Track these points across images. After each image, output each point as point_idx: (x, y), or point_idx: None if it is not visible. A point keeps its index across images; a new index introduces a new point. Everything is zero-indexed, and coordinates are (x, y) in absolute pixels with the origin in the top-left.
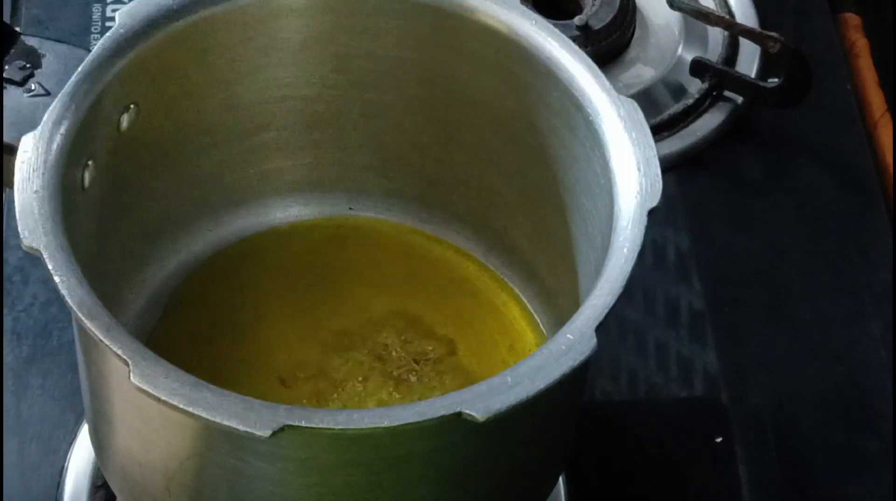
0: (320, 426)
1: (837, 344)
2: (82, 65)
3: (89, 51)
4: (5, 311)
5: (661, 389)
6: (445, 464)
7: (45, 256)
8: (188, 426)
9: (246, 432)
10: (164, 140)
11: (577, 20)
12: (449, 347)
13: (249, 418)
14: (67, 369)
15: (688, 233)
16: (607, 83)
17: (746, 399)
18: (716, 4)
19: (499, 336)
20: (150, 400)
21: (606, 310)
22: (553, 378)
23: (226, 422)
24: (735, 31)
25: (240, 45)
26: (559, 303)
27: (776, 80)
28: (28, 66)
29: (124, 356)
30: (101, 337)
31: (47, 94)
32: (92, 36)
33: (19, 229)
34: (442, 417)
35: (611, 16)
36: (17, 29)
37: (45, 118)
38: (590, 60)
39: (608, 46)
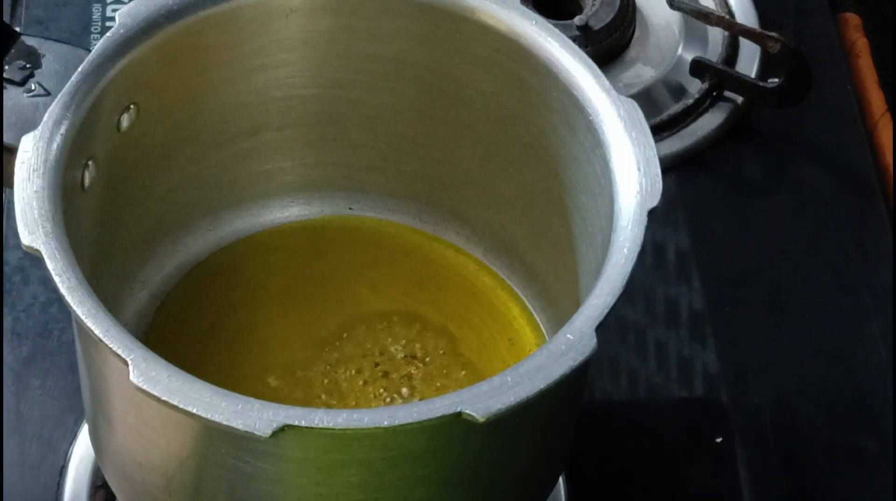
0: (320, 426)
1: (837, 344)
2: (82, 65)
3: (89, 51)
4: (5, 311)
5: (661, 389)
6: (445, 464)
7: (45, 256)
8: (188, 426)
9: (246, 432)
10: (164, 140)
11: (577, 20)
12: (449, 347)
13: (249, 418)
14: (67, 369)
15: (688, 233)
16: (607, 83)
17: (746, 399)
18: (716, 4)
19: (499, 336)
20: (150, 400)
21: (606, 310)
22: (553, 378)
23: (226, 422)
24: (735, 31)
25: (240, 45)
26: (559, 303)
27: (776, 80)
28: (28, 66)
29: (124, 356)
30: (101, 337)
31: (47, 94)
32: (92, 36)
33: (19, 229)
34: (442, 417)
35: (611, 16)
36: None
37: (45, 118)
38: (590, 60)
39: (608, 46)
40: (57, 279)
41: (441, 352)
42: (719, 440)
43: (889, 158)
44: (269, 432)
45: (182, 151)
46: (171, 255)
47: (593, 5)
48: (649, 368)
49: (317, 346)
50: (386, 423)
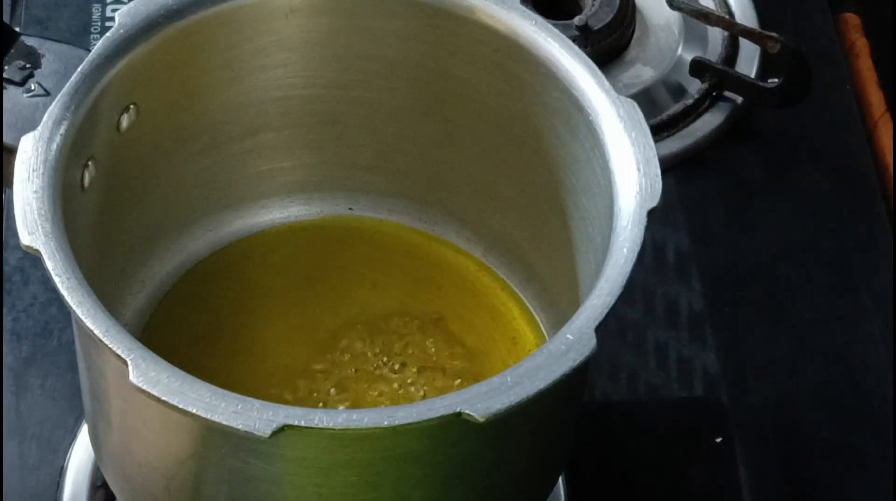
0: (320, 426)
1: (837, 344)
2: (82, 65)
3: (89, 51)
4: (5, 311)
5: (661, 389)
6: (445, 464)
7: (44, 256)
8: (188, 426)
9: (246, 432)
10: (164, 140)
11: (577, 20)
12: (448, 347)
13: (249, 418)
14: (67, 369)
15: (688, 233)
16: (607, 83)
17: (746, 399)
18: (716, 4)
19: (499, 336)
20: (150, 400)
21: (606, 310)
22: (553, 378)
23: (226, 422)
24: (735, 31)
25: (240, 45)
26: (559, 303)
27: (776, 80)
28: (28, 66)
29: (124, 356)
30: (101, 337)
31: (47, 94)
32: (92, 36)
33: (19, 229)
34: (442, 417)
35: (611, 16)
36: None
37: (45, 118)
38: (590, 60)
39: (608, 46)
40: (57, 279)
41: (441, 352)
42: (719, 440)
43: (889, 159)
44: (268, 432)
45: (182, 151)
46: (171, 255)
47: (593, 5)
48: (649, 368)
49: (316, 346)
50: (386, 423)
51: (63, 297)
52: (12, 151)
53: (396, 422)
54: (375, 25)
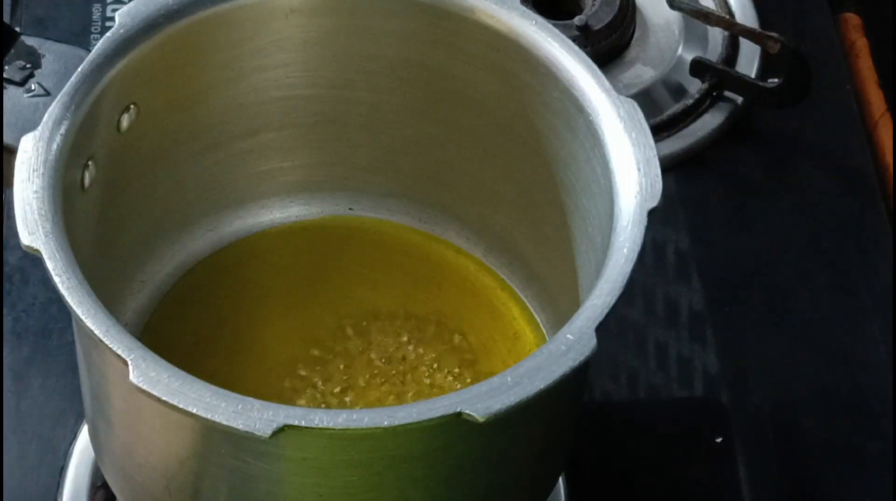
0: (320, 426)
1: (837, 344)
2: (82, 65)
3: (89, 51)
4: (5, 311)
5: (661, 389)
6: (445, 464)
7: (44, 256)
8: (188, 426)
9: (246, 432)
10: (164, 140)
11: (577, 20)
12: (449, 347)
13: (249, 418)
14: (67, 369)
15: (688, 233)
16: (607, 83)
17: (746, 399)
18: (716, 4)
19: (499, 336)
20: (150, 400)
21: (606, 310)
22: (553, 378)
23: (226, 422)
24: (735, 31)
25: (240, 45)
26: (559, 303)
27: (776, 80)
28: (28, 66)
29: (124, 356)
30: (101, 337)
31: (47, 94)
32: (92, 36)
33: (19, 229)
34: (442, 417)
35: (611, 16)
36: (17, 29)
37: (45, 118)
38: (590, 60)
39: (608, 46)
40: (57, 279)
41: (441, 352)
42: (719, 440)
43: (889, 158)
44: (269, 432)
45: (182, 151)
46: (171, 255)
47: (593, 5)
48: (649, 368)
49: (316, 346)
50: (386, 423)
51: (63, 297)
52: (12, 151)
53: (396, 422)
54: (375, 25)
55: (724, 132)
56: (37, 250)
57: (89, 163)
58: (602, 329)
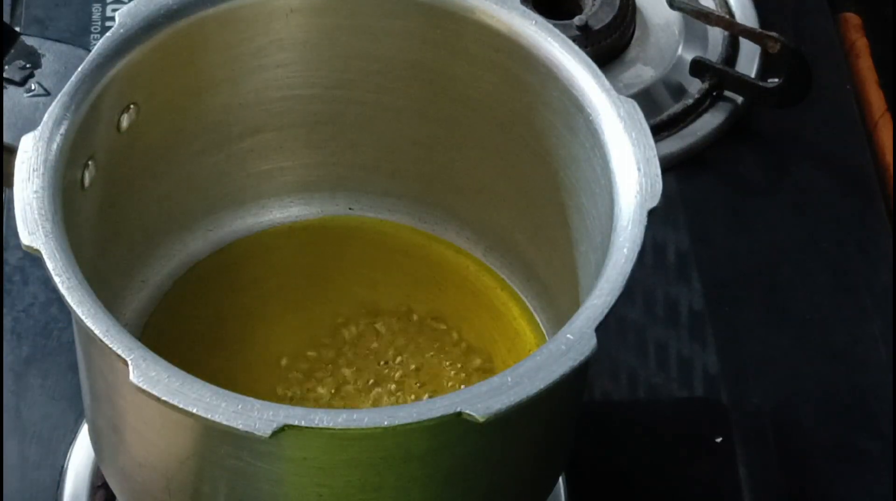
0: (320, 426)
1: (837, 344)
2: (82, 65)
3: (89, 51)
4: (5, 311)
5: (661, 389)
6: (445, 464)
7: (44, 256)
8: (188, 426)
9: (246, 432)
10: (164, 140)
11: (577, 20)
12: (448, 347)
13: (249, 418)
14: (67, 369)
15: (688, 233)
16: (607, 83)
17: (746, 399)
18: (716, 4)
19: (499, 336)
20: (150, 400)
21: (606, 310)
22: (553, 378)
23: (226, 422)
24: (735, 31)
25: (240, 45)
26: (559, 303)
27: (776, 80)
28: (28, 66)
29: (124, 356)
30: (101, 337)
31: (47, 94)
32: (92, 36)
33: (19, 229)
34: (442, 417)
35: (611, 16)
36: (17, 29)
37: (45, 118)
38: (590, 60)
39: (608, 46)
40: (57, 279)
41: (441, 352)
42: (719, 440)
43: (889, 158)
44: (269, 432)
45: (182, 151)
46: (171, 255)
47: (593, 5)
48: (649, 368)
49: (316, 346)
50: (386, 423)
51: (63, 297)
52: (12, 151)
53: (396, 422)
54: (375, 25)
55: (724, 132)
56: (37, 250)
57: (89, 163)
58: (602, 329)
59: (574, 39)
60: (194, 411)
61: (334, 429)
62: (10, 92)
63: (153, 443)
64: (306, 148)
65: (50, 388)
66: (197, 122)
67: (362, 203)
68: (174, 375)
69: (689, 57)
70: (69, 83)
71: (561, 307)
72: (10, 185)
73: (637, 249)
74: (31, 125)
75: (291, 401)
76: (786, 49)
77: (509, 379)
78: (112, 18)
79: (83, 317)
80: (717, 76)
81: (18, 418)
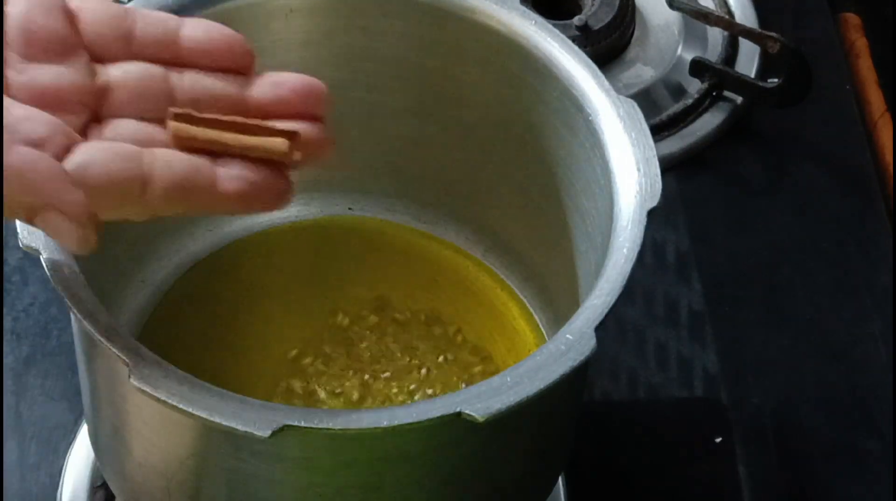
0: (320, 426)
1: (837, 344)
2: None
3: None
4: (5, 311)
5: (661, 389)
6: (445, 464)
7: (44, 256)
8: (188, 426)
9: (245, 432)
10: None
11: (576, 20)
12: (448, 347)
13: (249, 418)
14: (67, 369)
15: (688, 233)
16: (607, 83)
17: (746, 399)
18: (715, 4)
19: (498, 336)
20: (150, 400)
21: (606, 310)
22: (553, 378)
23: (225, 422)
24: (735, 31)
25: None
26: (559, 303)
27: (776, 80)
28: None
29: (124, 357)
30: (101, 337)
31: None
32: None
33: (19, 229)
34: (442, 417)
35: (610, 16)
36: None
37: None
38: (589, 60)
39: (608, 46)
40: (56, 279)
41: (440, 352)
42: (719, 440)
43: (889, 158)
44: (268, 432)
45: None
46: (170, 254)
47: (593, 5)
48: (649, 368)
49: (315, 346)
50: (385, 423)
51: (63, 297)
52: None
53: (396, 422)
54: (375, 25)
55: (724, 132)
56: (36, 250)
57: None
58: (602, 329)
59: (574, 39)
60: (194, 411)
61: (334, 429)
62: None
63: (153, 443)
64: None
65: (50, 388)
66: None
67: (362, 203)
68: (174, 375)
69: (688, 57)
70: None
71: (560, 307)
72: None
73: (637, 249)
74: None
75: (291, 401)
76: (785, 49)
77: (509, 379)
78: None
79: (83, 317)
80: (716, 76)
81: (18, 418)
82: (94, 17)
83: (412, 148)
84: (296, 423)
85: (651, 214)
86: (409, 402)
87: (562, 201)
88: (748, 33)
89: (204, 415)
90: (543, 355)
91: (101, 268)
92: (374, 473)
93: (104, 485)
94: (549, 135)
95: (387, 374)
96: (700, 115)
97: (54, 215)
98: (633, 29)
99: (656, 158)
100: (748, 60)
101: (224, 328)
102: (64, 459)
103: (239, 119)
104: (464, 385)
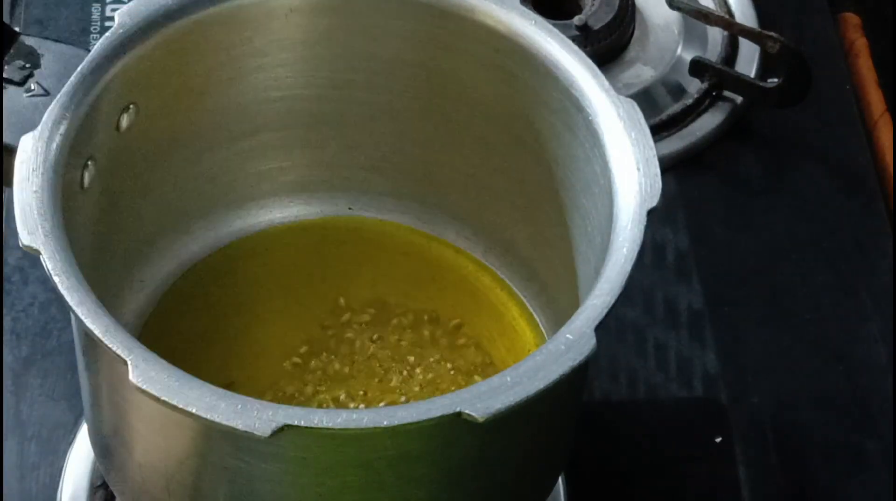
0: (320, 426)
1: (837, 344)
2: (82, 65)
3: (89, 51)
4: (5, 311)
5: (661, 389)
6: (445, 464)
7: (44, 256)
8: (188, 426)
9: (246, 432)
10: (164, 140)
11: (576, 20)
12: (448, 346)
13: (249, 418)
14: (67, 369)
15: (687, 233)
16: (607, 83)
17: (746, 399)
18: (715, 4)
19: (498, 336)
20: (150, 400)
21: (606, 310)
22: (553, 378)
23: (225, 422)
24: (735, 31)
25: (239, 45)
26: (559, 303)
27: (776, 80)
28: (27, 66)
29: (124, 356)
30: (101, 337)
31: (47, 94)
32: (92, 36)
33: (19, 229)
34: (442, 417)
35: (610, 16)
36: (17, 29)
37: (44, 118)
38: (589, 60)
39: (608, 46)
40: (56, 279)
41: (440, 352)
42: (719, 440)
43: (889, 158)
44: (268, 432)
45: (181, 151)
46: (170, 255)
47: (593, 5)
48: (649, 368)
49: (315, 346)
50: (385, 423)
51: (63, 297)
52: (12, 151)
53: (396, 422)
54: (375, 25)
55: (724, 132)
56: (36, 250)
57: (89, 163)
58: (602, 329)
59: (574, 39)
60: (194, 411)
61: (334, 429)
62: (10, 92)
63: (153, 443)
64: (306, 148)
65: (50, 388)
66: (197, 122)
67: (362, 203)
68: (174, 375)
69: (688, 57)
70: (69, 83)
71: (560, 307)
72: (10, 185)
73: (637, 249)
74: (30, 125)
75: (291, 401)
76: (785, 49)
77: (509, 379)
78: (112, 18)
79: (83, 317)
80: (716, 76)
81: (18, 418)
82: None
83: (412, 148)
84: (296, 423)
85: (651, 214)
86: (409, 402)
87: (562, 201)
88: (748, 33)
89: (204, 415)
90: (543, 355)
91: (101, 268)
92: (374, 473)
93: (104, 485)
94: (548, 135)
95: (386, 374)
96: (700, 115)
97: None
98: (633, 29)
99: (656, 158)
100: (748, 60)
101: (224, 327)
102: (64, 459)
103: None
104: (463, 386)
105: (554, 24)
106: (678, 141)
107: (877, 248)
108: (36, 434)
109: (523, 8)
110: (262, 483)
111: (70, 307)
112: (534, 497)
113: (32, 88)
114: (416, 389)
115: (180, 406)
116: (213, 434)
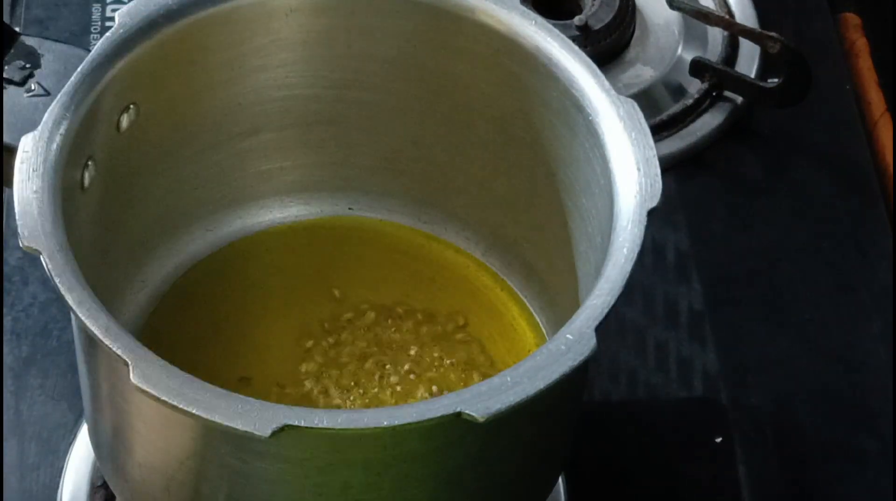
0: (320, 426)
1: (837, 344)
2: (82, 65)
3: (89, 51)
4: (5, 311)
5: (661, 389)
6: (445, 464)
7: (44, 256)
8: (188, 426)
9: (246, 432)
10: (164, 140)
11: (576, 20)
12: (448, 347)
13: (249, 418)
14: (67, 369)
15: (687, 233)
16: (607, 83)
17: (746, 399)
18: (715, 4)
19: (498, 336)
20: (150, 400)
21: (606, 310)
22: (553, 378)
23: (226, 422)
24: (735, 31)
25: (240, 45)
26: (559, 303)
27: (776, 80)
28: (27, 66)
29: (124, 356)
30: (101, 337)
31: (47, 94)
32: (92, 36)
33: (19, 229)
34: (442, 417)
35: (610, 16)
36: (17, 29)
37: (44, 118)
38: (590, 60)
39: (608, 46)
40: (57, 279)
41: (440, 352)
42: (719, 440)
43: (889, 158)
44: (268, 432)
45: (181, 151)
46: (170, 255)
47: (593, 5)
48: (649, 368)
49: (315, 346)
50: (385, 423)
51: (63, 297)
52: (12, 151)
53: (396, 422)
54: (375, 25)
55: (724, 132)
56: (37, 250)
57: (89, 163)
58: (602, 329)
59: (574, 39)
60: (194, 411)
61: (334, 429)
62: (10, 92)
63: (153, 443)
64: (306, 148)
65: (50, 388)
66: (197, 122)
67: (362, 203)
68: (174, 375)
69: (688, 57)
70: (69, 83)
71: (561, 307)
72: (10, 185)
73: (637, 249)
74: (30, 125)
75: (291, 401)
76: (785, 49)
77: (509, 379)
78: (112, 18)
79: (83, 317)
80: (716, 76)
81: (18, 418)
82: None
83: (412, 148)
84: (296, 423)
85: (651, 214)
86: (409, 402)
87: (562, 201)
88: (748, 33)
89: (204, 415)
90: (543, 355)
91: (101, 268)
92: (374, 473)
93: (104, 485)
94: (549, 135)
95: (385, 374)
96: (700, 115)
97: None
98: (633, 29)
99: (656, 158)
100: (748, 60)
101: (223, 327)
102: (64, 459)
103: None
104: (464, 385)
105: (554, 24)
106: (678, 141)
107: (877, 248)
108: (36, 434)
109: (523, 8)
110: (262, 483)
111: (70, 307)
112: (534, 497)
113: (32, 88)
114: (415, 389)
115: (180, 407)
116: (213, 435)
